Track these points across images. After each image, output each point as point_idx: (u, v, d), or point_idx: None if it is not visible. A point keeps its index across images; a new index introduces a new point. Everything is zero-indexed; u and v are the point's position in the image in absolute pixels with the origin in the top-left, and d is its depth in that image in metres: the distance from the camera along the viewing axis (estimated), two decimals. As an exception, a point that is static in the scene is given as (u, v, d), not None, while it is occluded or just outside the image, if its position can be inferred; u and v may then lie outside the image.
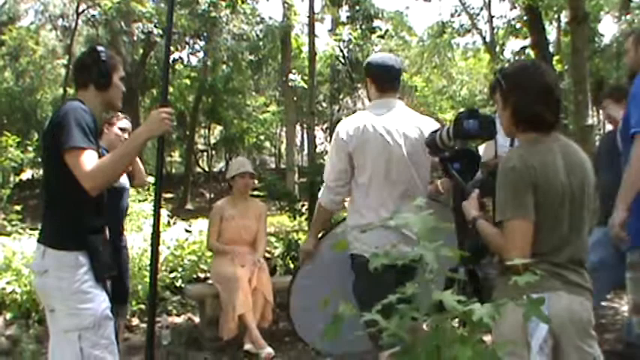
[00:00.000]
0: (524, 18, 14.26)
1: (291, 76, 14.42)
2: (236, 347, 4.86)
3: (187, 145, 22.42)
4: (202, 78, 19.80)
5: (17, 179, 10.63)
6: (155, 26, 16.92)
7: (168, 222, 7.61)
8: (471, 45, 23.82)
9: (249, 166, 5.31)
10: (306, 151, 20.38)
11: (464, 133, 2.81)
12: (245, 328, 4.80)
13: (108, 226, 2.78)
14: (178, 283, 6.11)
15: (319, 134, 21.69)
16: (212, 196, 19.53)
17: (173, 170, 27.59)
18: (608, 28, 35.96)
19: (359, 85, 18.39)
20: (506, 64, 3.77)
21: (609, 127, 4.76)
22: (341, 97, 21.10)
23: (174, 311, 5.91)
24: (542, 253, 2.15)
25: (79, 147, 2.49)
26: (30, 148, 9.80)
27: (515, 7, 16.62)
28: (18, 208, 7.38)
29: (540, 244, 2.19)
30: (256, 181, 6.05)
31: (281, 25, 15.61)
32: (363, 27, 19.09)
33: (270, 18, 17.92)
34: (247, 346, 4.76)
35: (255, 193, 6.54)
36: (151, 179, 4.47)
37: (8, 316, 5.27)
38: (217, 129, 24.73)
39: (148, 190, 7.25)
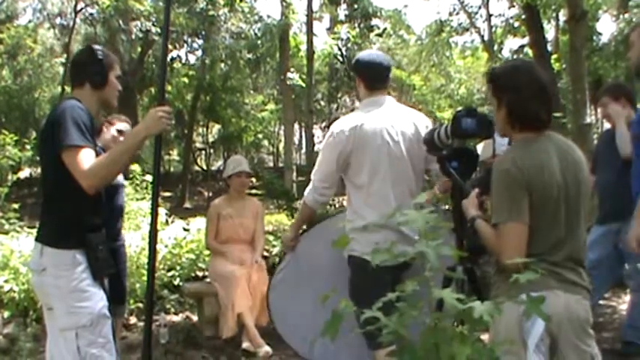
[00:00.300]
0: (523, 16, 14.24)
1: (289, 74, 14.38)
2: (234, 346, 4.86)
3: (185, 144, 22.37)
4: (200, 76, 19.76)
5: (15, 177, 10.63)
6: (153, 24, 16.88)
7: (167, 220, 7.60)
8: (469, 43, 23.79)
9: (245, 165, 5.31)
10: (304, 150, 20.30)
11: (462, 131, 2.82)
12: (243, 327, 4.80)
13: (105, 224, 2.77)
14: (176, 282, 6.11)
15: (317, 133, 21.67)
16: (210, 194, 19.50)
17: (171, 169, 27.52)
18: (607, 26, 36.09)
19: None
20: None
21: (607, 125, 4.75)
22: (339, 95, 21.07)
23: (172, 310, 5.91)
24: (539, 252, 2.16)
25: (77, 145, 2.49)
26: (28, 147, 9.76)
27: (513, 6, 16.61)
28: (16, 206, 7.35)
29: (537, 243, 2.19)
30: (253, 180, 6.05)
31: (279, 24, 15.56)
32: (362, 25, 19.06)
33: (269, 16, 17.90)
34: (245, 345, 4.75)
35: (254, 191, 6.54)
36: (149, 178, 4.47)
37: (6, 314, 5.27)
38: (215, 127, 24.70)
39: (147, 188, 7.25)
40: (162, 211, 7.34)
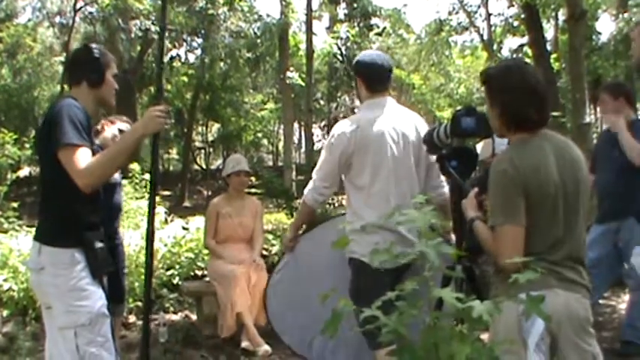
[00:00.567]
0: (522, 16, 14.24)
1: (288, 73, 14.38)
2: (233, 345, 4.86)
3: (185, 143, 22.37)
4: (200, 75, 19.76)
5: (14, 176, 10.60)
6: (153, 23, 16.85)
7: (166, 219, 7.60)
8: (468, 43, 23.81)
9: (244, 164, 5.30)
10: (303, 149, 20.34)
11: (461, 130, 2.82)
12: (242, 326, 4.79)
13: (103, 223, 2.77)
14: (175, 281, 6.10)
15: (317, 132, 21.69)
16: (210, 193, 19.51)
17: (171, 168, 27.52)
18: (606, 26, 36.10)
19: (356, 83, 18.35)
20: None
21: (607, 125, 4.75)
22: (339, 94, 21.08)
23: (172, 309, 5.90)
24: (538, 251, 2.15)
25: (73, 144, 2.48)
26: (27, 145, 9.77)
27: (512, 5, 16.60)
28: (15, 205, 7.35)
29: (536, 243, 2.19)
30: (252, 179, 6.04)
31: (279, 23, 15.55)
32: (361, 24, 19.08)
33: (268, 15, 17.88)
34: (244, 344, 4.75)
35: (253, 190, 6.54)
36: (148, 176, 4.47)
37: (5, 313, 5.26)
38: (215, 126, 24.72)
39: (146, 187, 7.24)
40: (161, 210, 7.34)
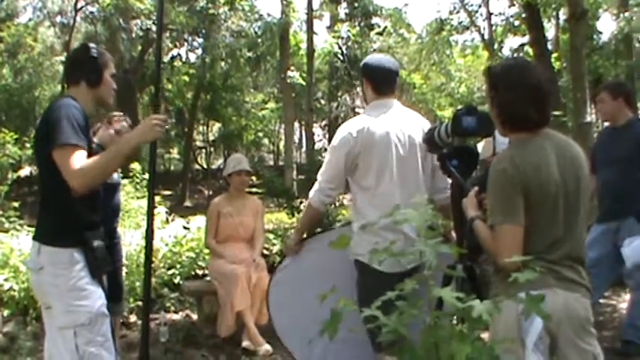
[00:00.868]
0: (523, 15, 14.23)
1: (289, 73, 14.38)
2: (234, 344, 4.86)
3: (186, 142, 22.40)
4: (201, 75, 19.79)
5: (15, 176, 10.61)
6: (154, 23, 16.87)
7: (167, 219, 7.60)
8: (469, 42, 23.79)
9: (245, 164, 5.30)
10: (304, 149, 20.33)
11: (462, 130, 2.81)
12: (243, 326, 4.79)
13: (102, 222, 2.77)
14: (176, 280, 6.10)
15: (317, 131, 21.71)
16: (210, 193, 19.53)
17: (171, 167, 27.56)
18: (607, 25, 36.17)
19: (357, 83, 18.37)
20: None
21: (607, 124, 4.74)
22: (339, 94, 21.10)
23: (172, 308, 5.90)
24: (537, 251, 2.15)
25: (69, 144, 2.47)
26: (28, 145, 9.77)
27: (513, 5, 16.59)
28: (16, 204, 7.35)
29: (535, 242, 2.19)
30: (253, 178, 6.04)
31: (279, 22, 15.55)
32: (362, 24, 19.09)
33: (269, 15, 17.92)
34: (245, 344, 4.75)
35: (254, 190, 6.53)
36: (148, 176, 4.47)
37: (6, 313, 5.26)
38: (216, 126, 24.73)
39: (147, 187, 7.24)
40: (162, 210, 7.35)
